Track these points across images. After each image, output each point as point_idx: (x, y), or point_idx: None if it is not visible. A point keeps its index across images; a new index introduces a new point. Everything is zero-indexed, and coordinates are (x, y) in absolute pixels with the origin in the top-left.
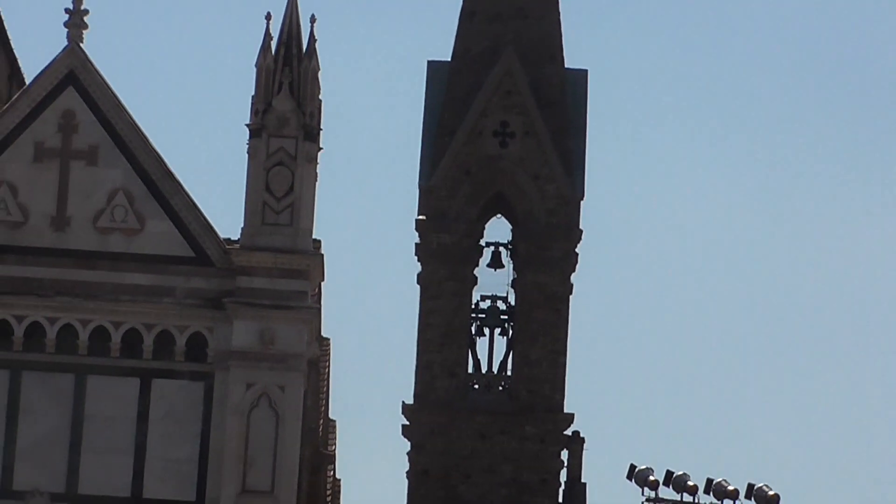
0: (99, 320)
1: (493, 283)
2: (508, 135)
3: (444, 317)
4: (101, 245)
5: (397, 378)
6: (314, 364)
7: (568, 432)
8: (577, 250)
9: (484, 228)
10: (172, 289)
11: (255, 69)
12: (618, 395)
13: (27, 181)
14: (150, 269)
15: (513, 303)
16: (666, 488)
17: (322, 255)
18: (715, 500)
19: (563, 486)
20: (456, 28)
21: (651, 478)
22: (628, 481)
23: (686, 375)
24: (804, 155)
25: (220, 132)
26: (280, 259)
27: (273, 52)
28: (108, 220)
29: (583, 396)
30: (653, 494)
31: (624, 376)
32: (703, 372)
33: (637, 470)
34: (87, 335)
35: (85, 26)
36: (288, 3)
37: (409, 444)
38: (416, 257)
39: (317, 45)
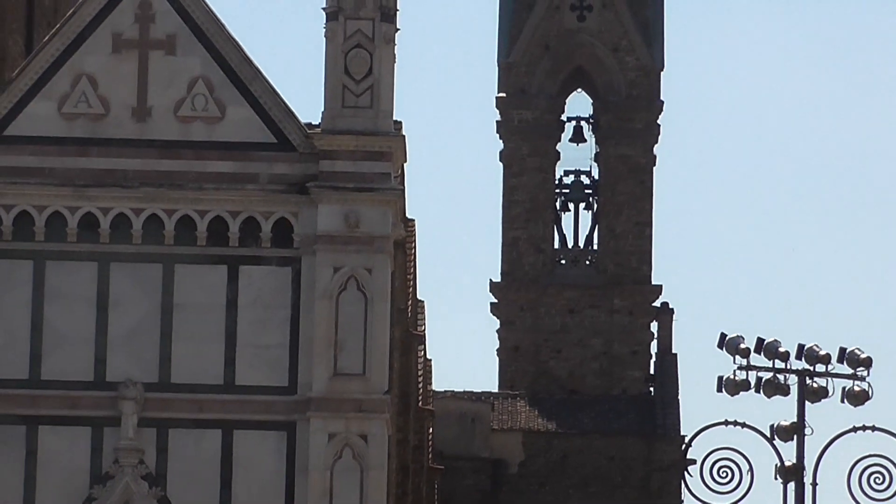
0: (184, 209)
1: (576, 157)
2: (586, 8)
3: (529, 193)
4: (182, 134)
5: (483, 256)
6: (400, 245)
7: (657, 304)
8: (658, 121)
9: (565, 103)
10: (256, 175)
11: None
12: (705, 264)
13: (106, 73)
14: (232, 156)
15: (596, 176)
16: (757, 355)
17: (403, 137)
18: (807, 365)
19: (653, 358)
20: None
21: (742, 345)
22: (719, 350)
23: (772, 242)
24: (887, 30)
25: (297, 17)
26: (362, 141)
27: None
28: (188, 108)
29: (670, 267)
30: (744, 362)
31: (710, 246)
32: (790, 238)
33: (727, 338)
34: (172, 225)
35: None
36: None
37: (497, 321)
38: (497, 135)
39: None
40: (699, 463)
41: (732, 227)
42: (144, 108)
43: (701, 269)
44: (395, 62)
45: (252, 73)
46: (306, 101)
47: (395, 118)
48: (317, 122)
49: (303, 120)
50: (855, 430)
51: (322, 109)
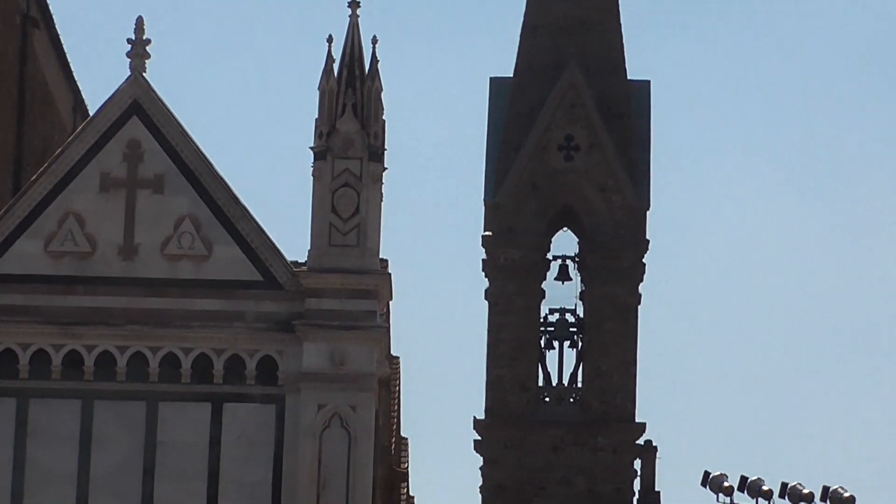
0: (169, 347)
1: (562, 296)
2: (574, 148)
3: (514, 331)
4: (169, 272)
5: (468, 394)
6: (385, 383)
7: (640, 442)
8: (644, 260)
9: (551, 242)
10: (242, 313)
11: (318, 92)
12: (689, 402)
13: (94, 211)
14: (219, 294)
15: (582, 315)
16: (741, 494)
17: (389, 275)
18: None
19: (636, 496)
20: (518, 44)
21: (725, 483)
22: (703, 488)
23: (757, 381)
24: (879, 164)
25: (285, 156)
26: (348, 280)
27: (336, 74)
28: (175, 247)
29: (654, 406)
30: (728, 500)
31: (694, 384)
32: (774, 377)
33: (711, 476)
34: (157, 362)
35: (147, 56)
36: (349, 25)
37: (481, 459)
38: (483, 273)
39: (379, 65)
40: None
41: (717, 365)
42: (131, 246)
43: (685, 406)
44: (382, 201)
45: (239, 211)
46: (293, 240)
47: (381, 256)
48: (303, 261)
49: (289, 258)
50: None
51: (309, 248)
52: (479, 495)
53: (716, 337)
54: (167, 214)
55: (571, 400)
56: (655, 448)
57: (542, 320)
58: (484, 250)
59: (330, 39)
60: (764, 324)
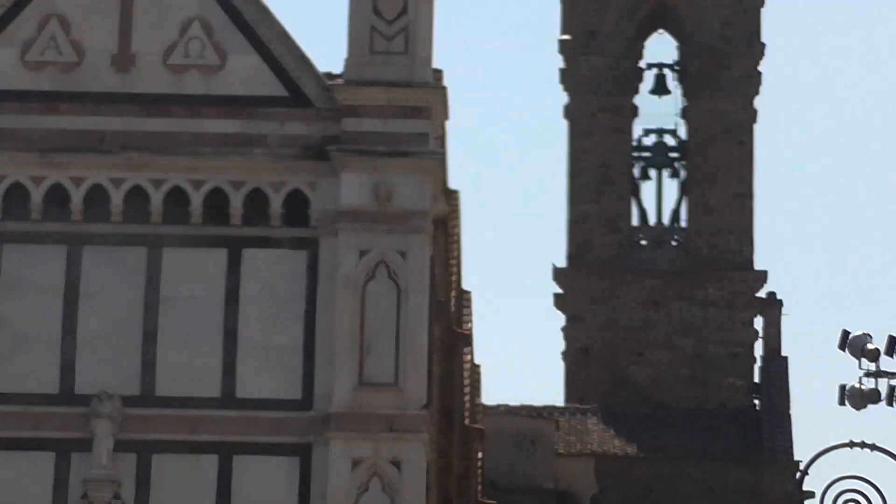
0: (175, 179)
1: (659, 113)
2: None
3: (600, 158)
4: (174, 87)
5: (545, 236)
6: (441, 223)
7: (761, 294)
8: (759, 68)
9: (644, 47)
10: (264, 137)
11: None
12: (820, 244)
13: (81, 13)
14: (235, 113)
15: (684, 136)
16: (889, 359)
17: (445, 89)
18: None
19: (758, 362)
20: None
21: (869, 346)
22: (840, 352)
23: None
24: None
25: None
26: (395, 94)
27: None
28: (181, 55)
29: (777, 248)
30: (873, 367)
31: (826, 221)
32: None
33: (851, 337)
34: (160, 199)
35: None
36: None
37: (563, 317)
38: (561, 86)
39: None
40: (819, 496)
41: (852, 198)
42: (127, 55)
43: (815, 249)
44: None
45: (260, 12)
46: (326, 47)
47: (434, 66)
48: (338, 72)
49: (321, 69)
50: None
51: (345, 56)
52: (562, 363)
53: (850, 162)
54: (171, 16)
55: (673, 242)
56: (780, 302)
57: (634, 143)
58: (562, 57)
59: None
60: None
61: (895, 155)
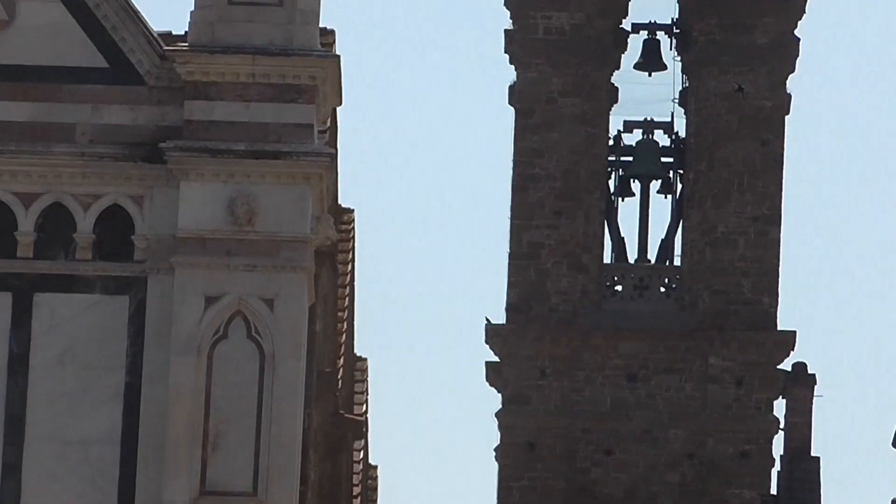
0: None
1: (648, 98)
2: None
3: (561, 163)
4: None
5: (475, 278)
6: (328, 257)
7: (786, 365)
8: (796, 32)
9: (628, 1)
10: (69, 128)
11: None
12: (863, 297)
13: None
14: (25, 92)
15: (682, 133)
16: None
17: (338, 58)
18: None
19: (778, 464)
20: None
21: None
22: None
23: None
24: None
25: None
26: (263, 66)
27: None
28: None
29: (809, 301)
30: None
31: (876, 259)
32: None
33: None
34: None
35: None
36: None
37: (499, 396)
38: (506, 56)
39: None
40: None
41: None
42: None
43: (858, 305)
44: None
45: None
46: None
47: (322, 24)
48: (181, 32)
49: (156, 28)
50: None
51: (191, 9)
52: (494, 462)
53: None
54: None
55: (662, 289)
56: (813, 378)
57: (611, 143)
58: (509, 13)
59: None
60: None
61: None
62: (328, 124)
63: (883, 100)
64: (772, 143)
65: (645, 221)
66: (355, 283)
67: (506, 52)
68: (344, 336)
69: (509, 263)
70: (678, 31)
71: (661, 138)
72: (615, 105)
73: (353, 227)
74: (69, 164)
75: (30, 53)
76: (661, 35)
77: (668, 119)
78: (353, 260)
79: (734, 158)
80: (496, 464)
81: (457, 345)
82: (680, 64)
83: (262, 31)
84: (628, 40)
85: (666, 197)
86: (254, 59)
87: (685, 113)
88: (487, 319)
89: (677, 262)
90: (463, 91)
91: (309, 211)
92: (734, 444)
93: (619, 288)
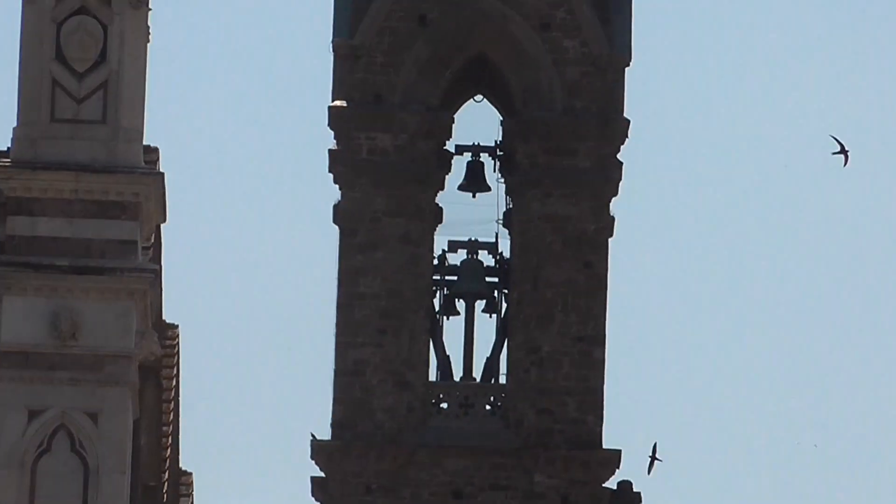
0: None
1: (472, 219)
2: None
3: (386, 281)
4: None
5: (301, 394)
6: (152, 371)
7: (611, 483)
8: (619, 156)
9: (453, 121)
10: None
11: None
12: (695, 409)
13: None
14: None
15: (507, 254)
16: None
17: (162, 175)
18: None
19: None
20: None
21: None
22: None
23: (812, 371)
24: None
25: None
26: (86, 183)
27: None
28: None
29: (636, 418)
30: None
31: (704, 378)
32: (831, 375)
33: None
34: None
35: None
36: None
37: None
38: (330, 176)
39: None
40: None
41: (737, 349)
42: None
43: (687, 417)
44: (148, 41)
45: None
46: None
47: (146, 142)
48: (2, 149)
49: None
50: None
51: (15, 125)
52: None
53: (734, 290)
54: None
55: (488, 406)
56: (638, 496)
57: (436, 262)
58: (333, 133)
59: None
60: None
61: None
62: (152, 240)
63: (705, 222)
64: (596, 265)
65: (470, 340)
66: (180, 398)
67: (330, 170)
68: (169, 450)
69: (335, 380)
70: (502, 153)
71: (486, 258)
72: (440, 225)
73: (178, 343)
74: None
75: None
76: (485, 156)
77: (493, 239)
78: (177, 375)
79: (558, 280)
80: None
81: (283, 460)
82: (504, 185)
83: (86, 147)
84: (452, 161)
85: (491, 316)
86: (77, 176)
87: (509, 234)
88: (313, 435)
89: (502, 380)
90: (287, 209)
91: (133, 326)
92: None
93: (444, 405)
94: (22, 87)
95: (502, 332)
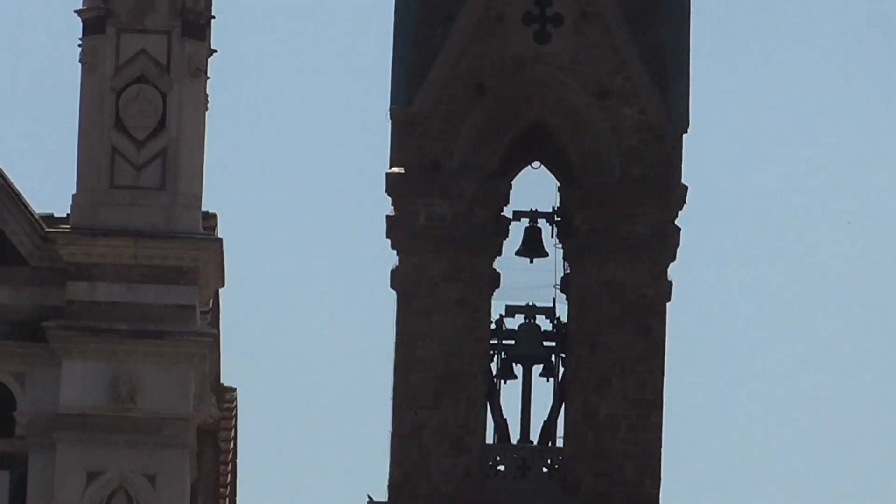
0: None
1: (529, 284)
2: (551, 20)
3: (443, 346)
4: None
5: (358, 457)
6: (210, 434)
7: None
8: (677, 222)
9: (510, 188)
10: None
11: None
12: (751, 473)
13: None
14: None
15: (564, 318)
16: None
17: (220, 241)
18: None
19: None
20: None
21: None
22: None
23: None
24: None
25: (39, 29)
26: (145, 249)
27: None
28: None
29: (693, 480)
30: None
31: (761, 442)
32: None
33: None
34: None
35: None
36: None
37: None
38: (388, 241)
39: None
40: None
41: (785, 411)
42: None
43: (741, 475)
44: (206, 109)
45: None
46: (44, 177)
47: (205, 209)
48: (62, 215)
49: (38, 209)
50: None
51: (73, 192)
52: None
53: (790, 357)
54: None
55: (545, 469)
56: None
57: (493, 327)
58: (390, 199)
59: None
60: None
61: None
62: (210, 305)
63: (762, 287)
64: (654, 330)
65: (527, 404)
66: (237, 461)
67: (388, 236)
68: None
69: (392, 443)
70: (559, 219)
71: (544, 323)
72: (497, 290)
73: (236, 406)
74: None
75: None
76: (542, 222)
77: (550, 304)
78: (235, 438)
79: (616, 345)
80: None
81: None
82: (561, 251)
83: (145, 214)
84: (510, 227)
85: (548, 380)
86: (136, 242)
87: (567, 299)
88: (370, 497)
89: (559, 443)
90: (345, 274)
91: (191, 390)
92: None
93: (501, 468)
94: (81, 153)
95: (559, 395)
